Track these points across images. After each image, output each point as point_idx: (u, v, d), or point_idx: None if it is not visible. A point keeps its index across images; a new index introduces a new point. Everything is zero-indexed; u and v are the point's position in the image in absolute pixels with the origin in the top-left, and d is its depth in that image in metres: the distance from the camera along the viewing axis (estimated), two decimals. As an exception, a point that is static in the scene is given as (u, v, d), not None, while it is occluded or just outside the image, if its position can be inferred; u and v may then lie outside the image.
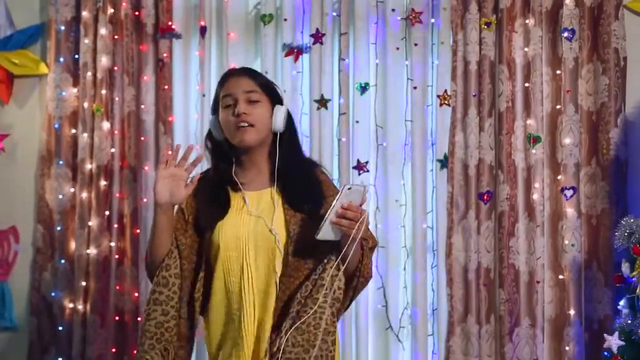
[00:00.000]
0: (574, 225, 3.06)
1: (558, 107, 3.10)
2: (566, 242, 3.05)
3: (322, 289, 1.87)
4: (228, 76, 2.04)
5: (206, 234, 1.98)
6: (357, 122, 3.17)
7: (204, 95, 3.19)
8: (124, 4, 3.23)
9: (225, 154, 2.03)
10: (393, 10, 3.16)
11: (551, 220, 3.09)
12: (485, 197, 3.09)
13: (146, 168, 3.24)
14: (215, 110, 2.04)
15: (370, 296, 3.15)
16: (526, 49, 3.11)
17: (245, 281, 1.93)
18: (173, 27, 3.22)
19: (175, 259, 1.95)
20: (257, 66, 3.25)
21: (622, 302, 2.70)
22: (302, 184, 2.00)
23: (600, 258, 3.03)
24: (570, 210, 3.07)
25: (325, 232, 1.81)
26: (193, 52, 3.26)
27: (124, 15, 3.23)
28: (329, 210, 1.80)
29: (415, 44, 3.14)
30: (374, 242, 2.02)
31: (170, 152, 2.02)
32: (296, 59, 3.18)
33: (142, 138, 3.24)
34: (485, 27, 3.11)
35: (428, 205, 3.15)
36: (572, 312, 3.04)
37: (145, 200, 3.23)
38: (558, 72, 3.10)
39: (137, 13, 3.25)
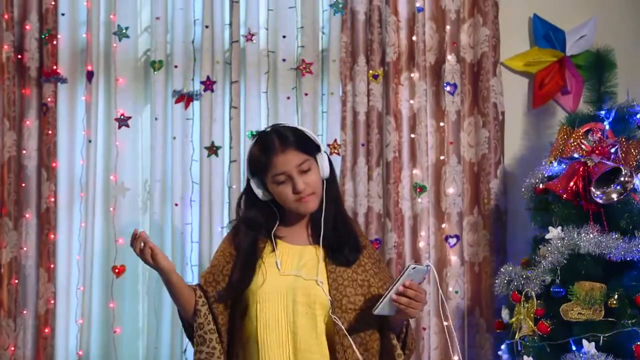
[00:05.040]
0: (457, 272, 3.16)
1: (442, 157, 3.22)
2: (450, 289, 3.14)
3: None
4: (272, 153, 2.07)
5: (242, 286, 2.04)
6: (248, 169, 3.17)
7: (90, 141, 3.10)
8: (5, 46, 3.11)
9: (268, 211, 2.13)
10: (284, 60, 3.20)
11: (436, 268, 3.17)
12: (374, 245, 3.15)
13: (27, 216, 3.10)
14: (255, 172, 2.12)
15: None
16: (412, 101, 3.21)
17: (282, 336, 1.99)
18: (58, 71, 3.13)
19: (206, 316, 2.05)
20: (147, 112, 3.21)
21: (502, 348, 2.79)
22: (346, 237, 2.08)
23: (482, 304, 3.13)
24: (454, 258, 3.17)
25: (383, 308, 1.88)
26: (79, 97, 3.17)
27: (6, 58, 3.11)
28: (390, 287, 1.87)
29: (306, 94, 3.19)
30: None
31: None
32: (187, 105, 3.16)
33: (23, 184, 3.11)
34: (373, 79, 3.20)
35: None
36: (456, 358, 3.11)
37: (25, 249, 3.09)
38: (442, 124, 3.22)
39: (20, 56, 3.14)
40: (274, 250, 2.07)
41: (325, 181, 2.11)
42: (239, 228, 2.16)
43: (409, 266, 1.87)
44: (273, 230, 2.10)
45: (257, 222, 2.12)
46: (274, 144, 2.08)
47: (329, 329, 2.01)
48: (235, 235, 2.16)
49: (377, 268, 2.11)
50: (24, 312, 3.07)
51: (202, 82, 3.16)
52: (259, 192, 2.11)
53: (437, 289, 3.15)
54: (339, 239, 2.07)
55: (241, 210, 2.21)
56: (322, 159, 2.10)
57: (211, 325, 2.05)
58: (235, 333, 2.09)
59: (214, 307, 2.08)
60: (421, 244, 3.15)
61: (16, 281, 3.08)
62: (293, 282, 2.01)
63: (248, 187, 2.16)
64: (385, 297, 1.87)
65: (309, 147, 2.10)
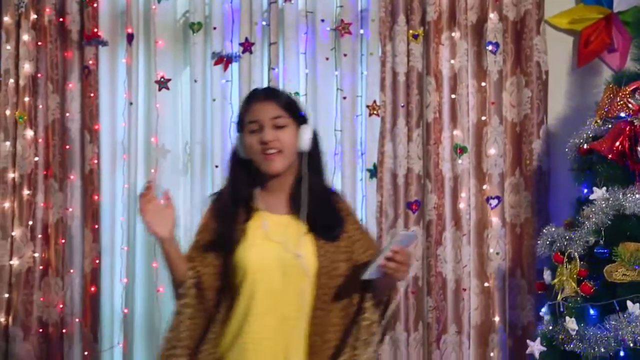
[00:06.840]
0: (498, 233, 3.13)
1: (483, 118, 3.17)
2: (491, 250, 3.13)
3: (368, 330, 1.97)
4: (253, 100, 2.03)
5: (228, 257, 1.98)
6: (287, 131, 3.17)
7: (131, 104, 3.13)
8: (47, 9, 3.15)
9: (249, 174, 2.03)
10: (322, 20, 3.18)
11: (477, 229, 3.16)
12: (413, 206, 3.14)
13: (72, 177, 3.17)
14: (240, 128, 2.03)
15: (301, 305, 3.15)
16: (452, 61, 3.17)
17: (271, 305, 1.94)
18: (99, 33, 3.15)
19: (190, 288, 1.98)
20: (186, 74, 3.23)
21: (544, 309, 2.77)
22: (328, 212, 2.02)
23: (524, 266, 3.11)
24: (495, 219, 3.15)
25: (371, 273, 1.90)
26: (120, 60, 3.20)
27: (48, 22, 3.15)
28: (380, 253, 1.89)
29: (345, 55, 3.16)
30: None
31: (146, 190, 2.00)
32: (226, 67, 3.16)
33: (67, 146, 3.18)
34: (413, 39, 3.15)
35: (358, 214, 3.17)
36: (496, 318, 3.12)
37: (70, 209, 3.15)
38: (483, 84, 3.17)
39: (61, 19, 3.17)
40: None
41: (308, 155, 2.02)
42: (220, 200, 2.08)
43: (398, 233, 1.91)
44: (254, 199, 2.02)
45: (238, 191, 2.03)
46: (258, 94, 2.05)
47: (313, 299, 1.98)
48: (216, 208, 2.07)
49: (360, 234, 2.08)
50: (71, 271, 3.15)
51: (240, 44, 3.15)
52: (240, 149, 2.03)
53: (477, 250, 3.15)
54: (322, 214, 2.01)
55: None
56: (306, 130, 2.01)
57: (193, 302, 1.98)
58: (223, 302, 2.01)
59: (201, 267, 2.00)
60: (461, 205, 3.13)
61: (63, 241, 3.16)
62: (282, 252, 1.96)
63: (235, 148, 2.08)
64: (375, 262, 1.89)
65: (293, 110, 2.02)
